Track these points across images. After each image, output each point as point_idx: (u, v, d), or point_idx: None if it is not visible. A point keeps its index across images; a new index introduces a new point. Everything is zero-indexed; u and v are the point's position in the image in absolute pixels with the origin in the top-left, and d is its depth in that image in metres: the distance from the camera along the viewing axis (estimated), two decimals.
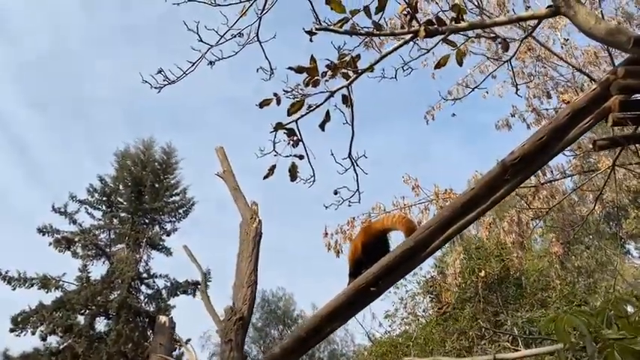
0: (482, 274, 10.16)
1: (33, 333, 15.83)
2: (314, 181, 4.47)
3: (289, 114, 4.24)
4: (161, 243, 19.36)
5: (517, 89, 5.40)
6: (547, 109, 6.95)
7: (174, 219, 20.24)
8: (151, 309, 17.94)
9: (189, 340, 17.92)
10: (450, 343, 9.60)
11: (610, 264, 12.90)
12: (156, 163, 20.79)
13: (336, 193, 4.56)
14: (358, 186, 4.52)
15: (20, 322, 16.05)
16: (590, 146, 6.84)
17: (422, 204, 6.50)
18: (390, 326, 12.69)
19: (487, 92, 7.05)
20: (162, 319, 12.31)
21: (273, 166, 4.44)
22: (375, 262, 3.99)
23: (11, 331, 16.17)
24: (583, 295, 10.98)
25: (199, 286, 18.02)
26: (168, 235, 19.78)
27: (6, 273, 16.22)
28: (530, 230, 6.65)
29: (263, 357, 5.95)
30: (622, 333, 1.62)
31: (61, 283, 16.61)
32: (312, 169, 4.40)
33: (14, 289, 16.23)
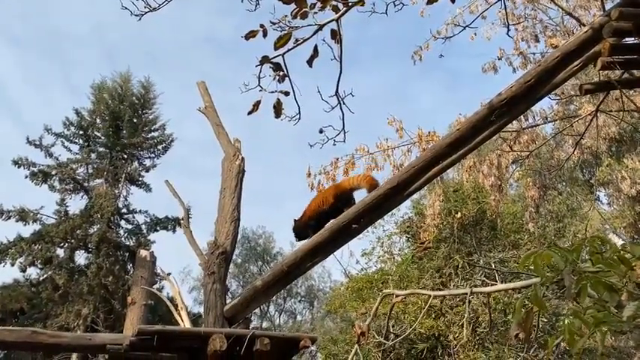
0: (459, 215, 10.44)
1: (12, 264, 15.90)
2: (299, 118, 4.42)
3: (276, 48, 4.12)
4: (140, 179, 19.24)
5: (508, 29, 5.32)
6: (534, 54, 6.90)
7: (153, 155, 20.02)
8: (131, 243, 18.09)
9: (169, 274, 18.26)
10: (424, 280, 10.00)
11: (580, 209, 13.37)
12: (134, 98, 20.25)
13: (321, 131, 4.54)
14: (344, 125, 4.49)
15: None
16: (573, 93, 6.88)
17: (405, 146, 6.54)
18: (366, 264, 13.10)
19: (475, 34, 6.95)
20: (143, 253, 12.42)
21: (258, 102, 4.36)
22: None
23: None
24: (553, 238, 11.44)
25: (181, 222, 18.14)
26: (147, 172, 19.65)
27: None
28: (510, 174, 6.78)
29: (245, 289, 6.16)
30: (599, 266, 1.70)
31: (39, 216, 16.53)
32: (298, 106, 4.34)
33: None
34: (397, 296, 4.13)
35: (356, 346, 3.76)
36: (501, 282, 8.23)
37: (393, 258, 12.36)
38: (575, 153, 6.64)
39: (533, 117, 6.78)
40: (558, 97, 6.14)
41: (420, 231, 8.95)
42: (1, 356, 17.46)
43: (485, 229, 11.38)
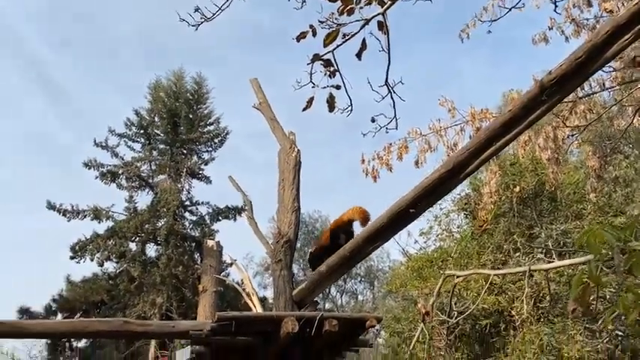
0: (517, 189, 10.28)
1: (91, 260, 17.16)
2: (351, 110, 4.60)
3: (325, 45, 4.30)
4: (200, 172, 20.05)
5: (556, 5, 5.21)
6: (587, 19, 6.66)
7: (210, 148, 20.79)
8: (196, 234, 18.98)
9: (235, 260, 19.06)
10: (484, 257, 9.99)
11: None
12: (188, 94, 21.02)
13: (373, 120, 4.69)
14: (395, 112, 4.62)
15: (78, 250, 17.35)
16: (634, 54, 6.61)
17: (458, 125, 6.56)
18: (425, 243, 13.16)
19: (523, 5, 6.78)
20: (210, 243, 13.09)
21: (311, 98, 4.56)
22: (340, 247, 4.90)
23: (71, 258, 17.55)
24: (620, 205, 11.03)
25: (243, 212, 18.84)
26: (206, 165, 20.46)
27: (60, 206, 17.32)
28: (567, 146, 6.65)
29: (311, 274, 6.45)
30: None
31: (111, 213, 17.67)
32: (350, 99, 4.52)
33: (69, 220, 17.41)
34: (458, 277, 4.26)
35: (421, 324, 3.94)
36: (564, 255, 8.12)
37: (452, 236, 12.36)
38: (636, 120, 6.40)
39: (590, 85, 6.59)
40: (613, 68, 5.94)
41: (478, 208, 8.92)
42: (87, 344, 18.99)
43: (546, 201, 11.14)
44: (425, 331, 3.93)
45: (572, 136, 6.49)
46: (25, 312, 17.97)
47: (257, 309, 6.05)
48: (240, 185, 7.15)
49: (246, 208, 8.11)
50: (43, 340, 18.82)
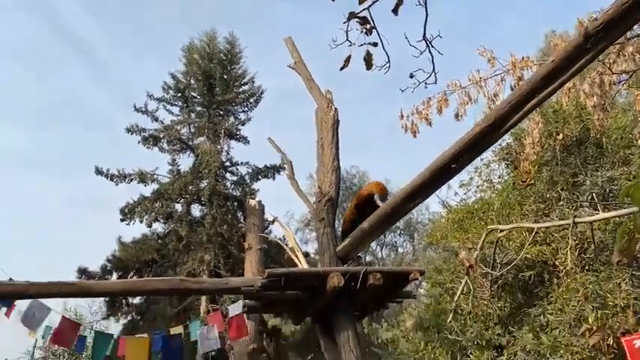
0: (560, 137, 9.98)
1: (140, 221, 17.96)
2: (389, 67, 4.57)
3: (360, 2, 4.26)
4: (237, 133, 20.34)
5: None
6: None
7: (246, 109, 20.99)
8: (237, 194, 19.49)
9: (276, 218, 19.56)
10: (526, 207, 9.85)
11: None
12: (221, 54, 21.09)
13: (411, 76, 4.65)
14: (434, 67, 4.57)
15: (127, 213, 18.16)
16: None
17: (498, 75, 6.41)
18: (465, 194, 13.03)
19: None
20: (252, 202, 13.44)
21: (349, 57, 4.56)
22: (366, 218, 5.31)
23: (121, 220, 18.42)
24: None
25: (282, 170, 19.18)
26: (242, 125, 20.71)
27: (107, 171, 18.06)
28: (614, 92, 6.39)
29: (354, 231, 6.61)
30: None
31: (155, 176, 18.32)
32: (387, 55, 4.49)
33: (117, 184, 18.18)
34: (501, 231, 4.30)
35: (465, 277, 4.04)
36: (609, 202, 7.95)
37: (493, 187, 12.19)
38: None
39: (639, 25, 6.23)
40: None
41: (520, 159, 8.75)
42: (142, 300, 20.12)
43: (591, 147, 10.76)
44: (469, 283, 4.03)
45: (620, 83, 6.22)
46: (83, 272, 19.10)
47: (302, 265, 6.29)
48: (279, 146, 7.28)
49: (285, 166, 8.30)
50: (102, 298, 20.10)
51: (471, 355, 6.67)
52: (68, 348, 5.94)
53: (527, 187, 7.97)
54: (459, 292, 4.56)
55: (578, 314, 6.70)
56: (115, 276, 19.63)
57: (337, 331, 5.27)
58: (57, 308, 6.18)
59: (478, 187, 12.88)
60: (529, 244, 6.13)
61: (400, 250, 27.61)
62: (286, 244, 20.17)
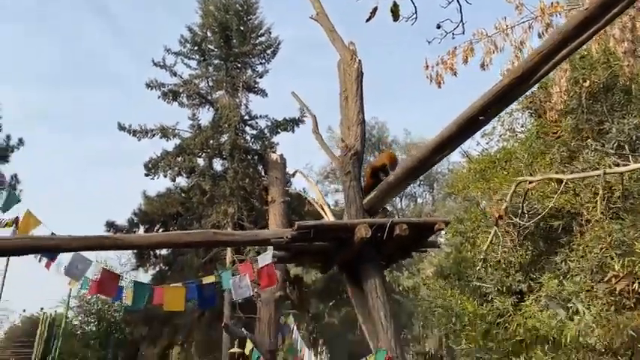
0: (587, 84, 9.76)
1: (164, 176, 18.34)
2: (416, 18, 4.52)
3: None
4: (256, 85, 20.27)
5: None
6: None
7: (263, 60, 20.80)
8: (257, 147, 19.66)
9: (296, 171, 19.76)
10: (550, 156, 9.79)
11: None
12: (237, 5, 20.71)
13: (439, 27, 4.61)
14: (462, 16, 4.50)
15: (151, 168, 18.53)
16: None
17: (525, 22, 6.24)
18: (487, 144, 12.94)
19: None
20: (274, 156, 13.59)
21: (375, 8, 4.52)
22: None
23: (146, 175, 18.82)
24: None
25: (302, 124, 19.22)
26: (260, 77, 20.60)
27: (129, 127, 18.30)
28: None
29: (380, 184, 6.67)
30: None
31: (177, 131, 18.52)
32: (414, 6, 4.42)
33: (139, 140, 18.46)
34: (530, 183, 4.34)
35: (494, 227, 4.14)
36: (637, 151, 7.86)
37: (516, 136, 12.08)
38: None
39: None
40: None
41: (547, 108, 8.62)
42: (169, 252, 20.80)
43: (618, 93, 10.50)
44: (498, 233, 4.12)
45: None
46: (111, 225, 19.74)
47: (329, 217, 6.44)
48: (302, 100, 7.28)
49: (305, 118, 8.35)
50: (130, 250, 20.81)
51: (496, 300, 6.86)
52: (109, 297, 6.28)
53: (557, 137, 7.88)
54: (487, 242, 4.67)
55: (600, 261, 6.81)
56: (141, 229, 20.27)
57: (364, 280, 5.46)
58: None
59: (501, 136, 12.77)
60: (554, 194, 6.16)
61: (419, 200, 27.80)
62: (307, 197, 20.43)
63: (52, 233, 5.69)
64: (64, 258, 6.35)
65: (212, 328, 18.71)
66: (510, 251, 9.18)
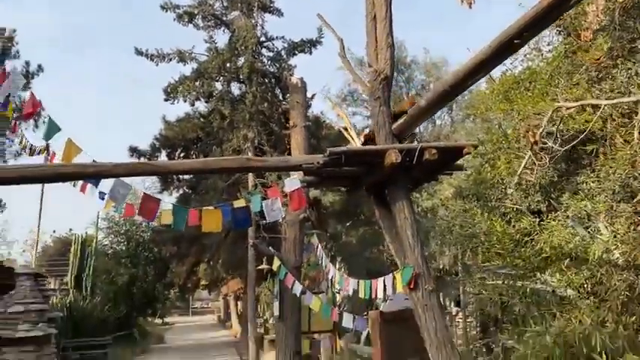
0: None
1: (184, 101, 18.40)
2: None
3: None
4: (271, 5, 19.60)
5: None
6: None
7: None
8: (274, 70, 19.42)
9: (314, 95, 19.64)
10: (577, 76, 9.60)
11: None
12: None
13: None
14: None
15: (170, 92, 18.54)
16: None
17: None
18: (511, 64, 12.63)
19: None
20: (294, 79, 13.53)
21: None
22: None
23: (165, 100, 18.88)
24: None
25: (319, 45, 18.79)
26: None
27: (146, 51, 18.12)
28: None
29: (410, 109, 6.66)
30: None
31: (193, 55, 18.31)
32: None
33: (157, 64, 18.31)
34: (568, 108, 4.37)
35: (529, 152, 4.24)
36: None
37: (542, 55, 11.77)
38: None
39: None
40: None
41: (580, 27, 8.34)
42: (192, 175, 21.30)
43: None
44: (533, 157, 4.23)
45: None
46: (134, 150, 20.14)
47: (356, 142, 6.56)
48: (328, 22, 7.15)
49: (321, 36, 8.16)
50: None
51: (523, 220, 7.09)
52: (149, 220, 6.65)
53: (600, 65, 7.68)
54: (522, 166, 4.78)
55: (623, 182, 6.93)
56: (163, 153, 20.68)
57: (393, 202, 5.69)
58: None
59: (525, 55, 12.42)
60: (580, 115, 6.16)
61: (438, 122, 27.57)
62: (325, 120, 20.31)
63: (93, 160, 5.94)
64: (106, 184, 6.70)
65: (237, 247, 19.61)
66: (530, 172, 9.31)
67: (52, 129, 6.42)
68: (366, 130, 6.32)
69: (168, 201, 20.36)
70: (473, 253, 13.07)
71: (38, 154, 9.57)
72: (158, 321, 35.45)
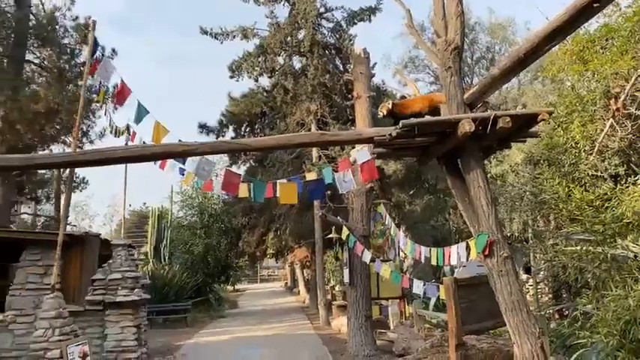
0: None
1: (249, 77, 18.88)
2: None
3: None
4: None
5: None
6: None
7: None
8: (333, 41, 19.40)
9: (375, 64, 19.48)
10: None
11: None
12: None
13: None
14: None
15: (235, 69, 19.05)
16: None
17: None
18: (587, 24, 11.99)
19: None
20: (357, 50, 13.57)
21: None
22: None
23: (230, 77, 19.43)
24: None
25: (379, 11, 18.53)
26: None
27: (211, 30, 18.65)
28: None
29: (483, 78, 6.59)
30: None
31: (256, 31, 18.63)
32: None
33: (221, 42, 18.79)
34: None
35: (610, 120, 4.20)
36: None
37: (620, 10, 11.07)
38: None
39: None
40: None
41: None
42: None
43: None
44: (615, 126, 4.17)
45: None
46: (203, 127, 20.98)
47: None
48: None
49: (380, 2, 8.11)
50: None
51: (599, 186, 6.94)
52: (232, 194, 7.11)
53: None
54: (603, 133, 4.69)
55: None
56: (230, 129, 21.43)
57: (466, 171, 5.78)
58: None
59: (603, 12, 11.73)
60: None
61: (504, 85, 26.57)
62: (386, 89, 20.22)
63: (180, 140, 6.42)
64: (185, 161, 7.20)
65: (303, 217, 20.19)
66: (608, 136, 8.96)
67: (142, 112, 6.95)
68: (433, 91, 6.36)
69: None
70: (544, 219, 12.82)
71: (121, 135, 10.34)
72: (229, 288, 37.32)
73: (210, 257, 25.73)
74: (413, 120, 5.36)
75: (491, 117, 5.30)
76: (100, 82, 7.56)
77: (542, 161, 12.61)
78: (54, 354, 6.89)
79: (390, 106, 6.06)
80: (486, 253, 5.49)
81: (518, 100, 21.43)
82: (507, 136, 5.88)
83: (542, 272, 14.41)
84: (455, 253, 6.62)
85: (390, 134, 5.61)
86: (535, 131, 6.07)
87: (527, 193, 11.83)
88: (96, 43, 6.66)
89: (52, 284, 7.53)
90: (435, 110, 6.19)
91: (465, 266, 8.98)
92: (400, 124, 5.36)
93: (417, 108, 6.15)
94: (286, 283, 46.93)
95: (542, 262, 13.14)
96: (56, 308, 7.25)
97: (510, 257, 5.54)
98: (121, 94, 6.82)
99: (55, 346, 6.88)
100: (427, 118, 5.76)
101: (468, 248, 6.16)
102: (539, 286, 15.48)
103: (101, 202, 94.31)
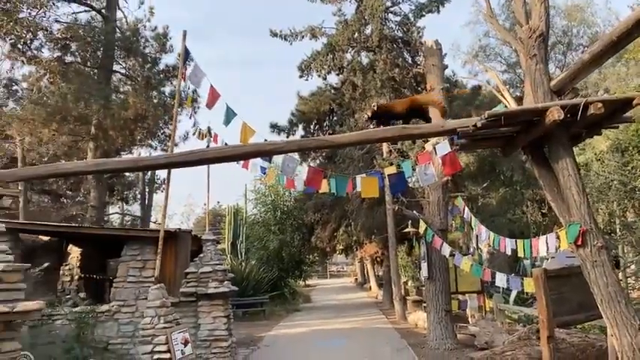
0: None
1: (318, 75, 19.20)
2: None
3: None
4: None
5: None
6: None
7: None
8: (401, 34, 19.27)
9: (445, 54, 19.16)
10: None
11: None
12: None
13: None
14: None
15: (304, 69, 19.45)
16: None
17: None
18: None
19: None
20: (429, 42, 13.49)
21: None
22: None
23: (300, 77, 19.86)
24: None
25: (447, 2, 18.20)
26: None
27: (280, 32, 19.14)
28: None
29: (572, 63, 6.39)
30: None
31: (324, 29, 18.92)
32: None
33: (290, 43, 19.25)
34: None
35: None
36: None
37: None
38: None
39: None
40: None
41: None
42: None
43: None
44: None
45: None
46: (274, 127, 21.58)
47: (510, 102, 6.55)
48: None
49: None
50: None
51: None
52: (316, 189, 7.38)
53: None
54: None
55: None
56: (300, 128, 21.90)
57: (554, 160, 5.66)
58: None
59: None
60: None
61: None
62: (456, 80, 19.84)
63: (265, 140, 6.77)
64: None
65: (374, 212, 20.28)
66: None
67: (230, 115, 7.39)
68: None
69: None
70: (635, 209, 12.14)
71: (204, 137, 10.93)
72: (301, 283, 38.14)
73: (284, 253, 26.46)
74: (498, 110, 5.35)
75: (582, 104, 5.17)
76: (187, 87, 8.09)
77: (631, 148, 11.97)
78: (160, 339, 7.53)
79: (375, 108, 6.63)
80: (579, 243, 5.36)
81: (599, 84, 20.30)
82: (598, 122, 5.70)
83: (632, 266, 13.64)
84: (543, 244, 6.50)
85: (475, 125, 5.60)
86: (629, 116, 5.83)
87: (616, 182, 11.26)
88: (187, 51, 7.13)
89: (156, 276, 8.20)
90: (416, 110, 6.88)
91: (553, 257, 8.72)
92: (486, 115, 5.35)
93: (398, 109, 6.64)
94: (356, 278, 47.16)
95: (632, 254, 12.46)
96: (160, 298, 7.89)
97: (605, 247, 5.37)
98: (211, 98, 7.28)
99: (161, 333, 7.51)
100: (513, 108, 5.71)
101: (557, 239, 6.04)
102: (628, 281, 14.67)
103: (177, 202, 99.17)
